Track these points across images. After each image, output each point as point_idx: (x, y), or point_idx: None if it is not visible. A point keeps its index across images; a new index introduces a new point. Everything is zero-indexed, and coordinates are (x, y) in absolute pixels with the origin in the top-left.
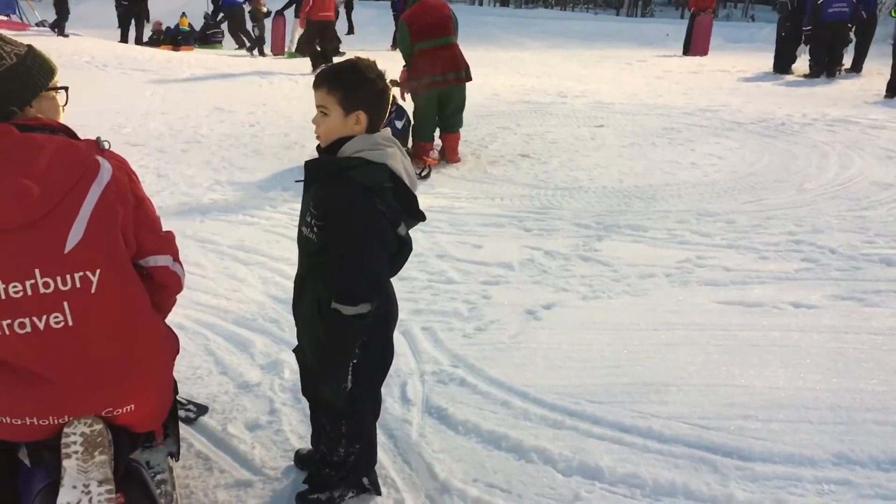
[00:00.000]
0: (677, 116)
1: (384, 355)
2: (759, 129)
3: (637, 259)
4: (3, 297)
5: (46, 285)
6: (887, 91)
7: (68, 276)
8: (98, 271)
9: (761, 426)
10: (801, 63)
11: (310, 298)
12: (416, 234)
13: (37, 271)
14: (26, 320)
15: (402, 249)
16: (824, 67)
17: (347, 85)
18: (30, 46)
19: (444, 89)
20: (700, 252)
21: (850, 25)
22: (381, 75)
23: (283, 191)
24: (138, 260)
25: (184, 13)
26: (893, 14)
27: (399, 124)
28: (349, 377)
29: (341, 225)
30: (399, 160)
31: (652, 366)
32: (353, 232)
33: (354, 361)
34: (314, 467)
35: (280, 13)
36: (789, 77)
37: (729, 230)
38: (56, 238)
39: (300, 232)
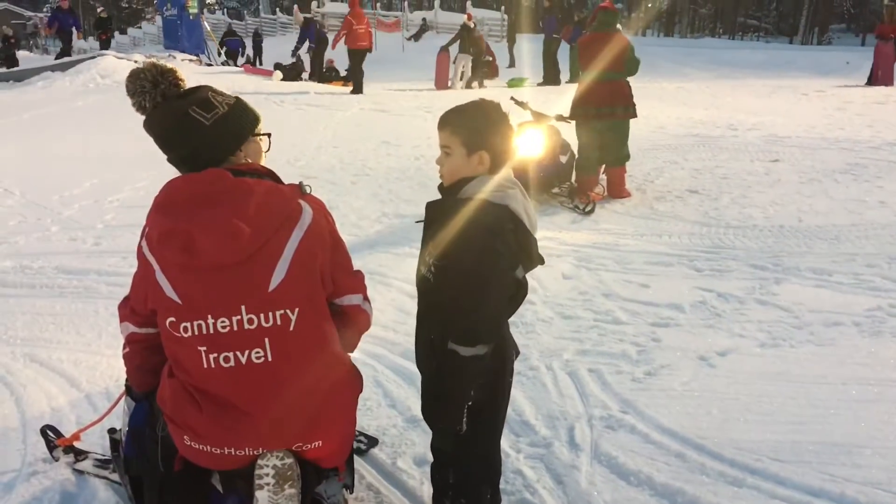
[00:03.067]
0: (862, 151)
1: (499, 399)
2: None
3: (821, 305)
4: (212, 331)
5: (251, 321)
6: None
7: (270, 314)
8: (297, 310)
9: None
10: None
11: (424, 337)
12: (581, 271)
13: (243, 307)
14: (230, 354)
15: (519, 292)
16: None
17: (471, 126)
18: (237, 97)
19: (600, 122)
20: (893, 300)
21: None
22: (504, 117)
23: None
24: (333, 299)
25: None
26: None
27: (563, 159)
28: (464, 419)
29: (462, 266)
30: (520, 201)
31: (842, 424)
32: (475, 273)
33: (469, 404)
34: None
35: (444, 49)
36: None
37: (878, 275)
38: (262, 277)
39: (418, 271)
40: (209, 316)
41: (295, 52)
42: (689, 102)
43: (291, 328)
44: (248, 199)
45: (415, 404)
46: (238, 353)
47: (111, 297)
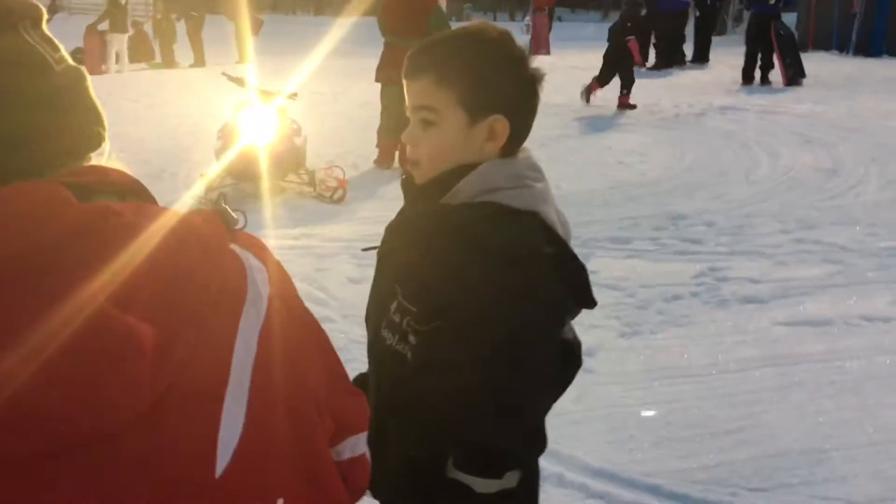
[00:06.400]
0: (565, 114)
1: None
2: (656, 122)
3: (646, 279)
4: None
5: None
6: (743, 79)
7: None
8: (280, 502)
9: None
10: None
11: (397, 455)
12: (369, 271)
13: None
14: None
15: (569, 364)
16: (668, 58)
17: (477, 68)
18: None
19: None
20: (708, 263)
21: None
22: (524, 56)
23: None
24: (333, 447)
25: None
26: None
27: (298, 142)
28: None
29: (479, 332)
30: (552, 202)
31: (784, 424)
32: (504, 346)
33: None
34: None
35: (93, 27)
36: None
37: (717, 233)
38: (193, 444)
39: (378, 338)
40: None
41: None
42: None
43: None
44: (132, 256)
45: None
46: None
47: None
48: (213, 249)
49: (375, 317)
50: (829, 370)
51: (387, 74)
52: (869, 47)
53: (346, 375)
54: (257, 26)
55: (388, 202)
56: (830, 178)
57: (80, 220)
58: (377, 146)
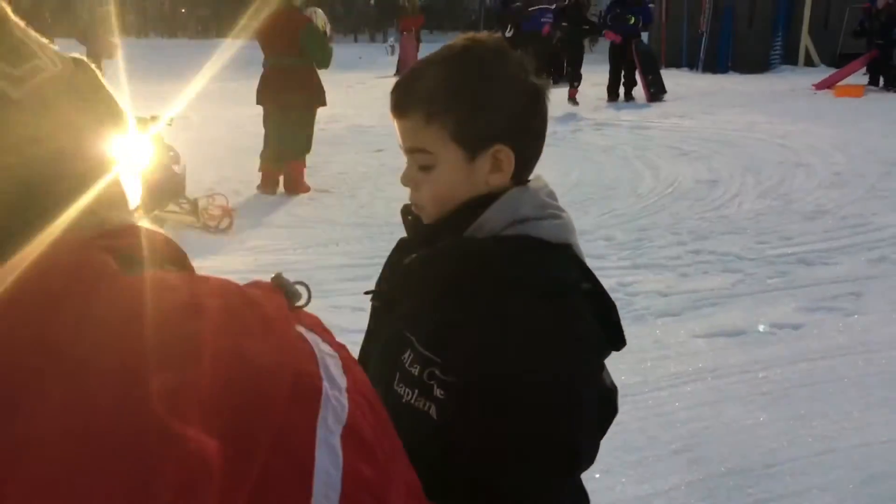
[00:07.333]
0: None
1: None
2: None
3: None
4: None
5: None
6: (609, 96)
7: None
8: None
9: None
10: None
11: None
12: None
13: None
14: None
15: (606, 410)
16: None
17: (467, 95)
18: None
19: (280, 111)
20: (616, 278)
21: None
22: (520, 68)
23: None
24: None
25: None
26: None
27: (177, 169)
28: None
29: (523, 379)
30: (576, 234)
31: (727, 440)
32: (553, 392)
33: None
34: None
35: None
36: None
37: (618, 248)
38: None
39: (391, 395)
40: None
41: None
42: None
43: None
44: (192, 346)
45: None
46: None
47: None
48: (279, 333)
49: (383, 372)
50: (756, 381)
51: (268, 96)
52: (716, 64)
53: (420, 484)
54: (112, 50)
55: (278, 230)
56: (712, 189)
57: (126, 292)
58: (260, 171)
